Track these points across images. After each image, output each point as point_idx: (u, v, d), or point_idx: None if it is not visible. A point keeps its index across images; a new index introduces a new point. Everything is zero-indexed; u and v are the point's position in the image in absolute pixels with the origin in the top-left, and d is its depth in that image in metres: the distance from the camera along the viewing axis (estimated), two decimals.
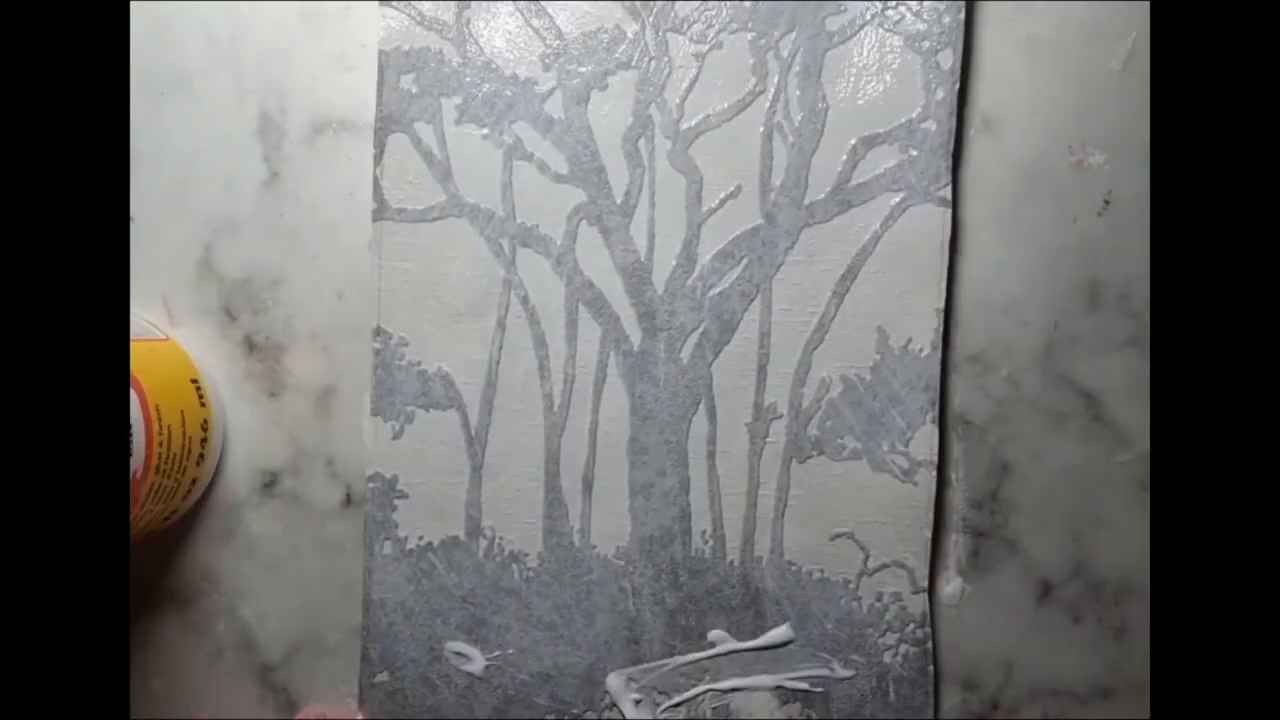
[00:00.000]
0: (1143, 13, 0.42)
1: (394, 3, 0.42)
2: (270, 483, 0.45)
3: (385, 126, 0.42)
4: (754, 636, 0.43)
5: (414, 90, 0.42)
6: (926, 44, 0.41)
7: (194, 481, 0.43)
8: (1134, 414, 0.43)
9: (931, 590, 0.43)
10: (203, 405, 0.43)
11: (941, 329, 0.42)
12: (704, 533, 0.43)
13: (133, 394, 0.39)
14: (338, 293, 0.44)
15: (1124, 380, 0.43)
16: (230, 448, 0.45)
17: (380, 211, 0.42)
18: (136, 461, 0.39)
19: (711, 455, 0.43)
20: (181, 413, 0.41)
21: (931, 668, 0.42)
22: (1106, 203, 0.42)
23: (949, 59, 0.41)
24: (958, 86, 0.41)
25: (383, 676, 0.43)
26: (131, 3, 0.44)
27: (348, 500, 0.45)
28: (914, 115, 0.41)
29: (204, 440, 0.43)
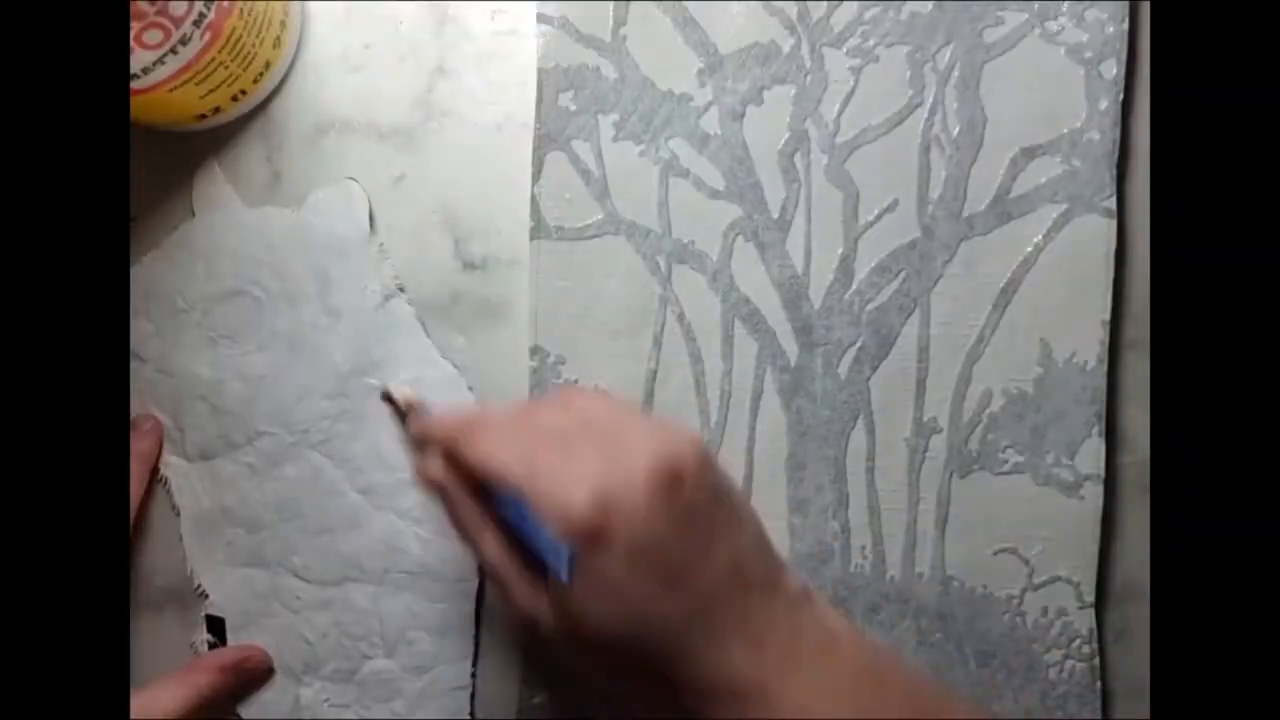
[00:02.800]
0: None
1: (550, 18, 0.42)
2: None
3: (543, 145, 0.42)
4: (913, 651, 0.42)
5: (572, 108, 0.42)
6: (1089, 54, 0.41)
7: (268, 65, 0.42)
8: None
9: (1100, 606, 0.42)
10: None
11: (1108, 340, 0.41)
12: (863, 549, 0.42)
13: None
14: None
15: None
16: None
17: (537, 230, 0.42)
18: None
19: (870, 470, 0.42)
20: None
21: (1099, 684, 0.42)
22: None
23: (1112, 69, 0.41)
24: (1121, 97, 0.41)
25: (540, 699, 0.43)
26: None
27: None
28: (1076, 126, 0.41)
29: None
